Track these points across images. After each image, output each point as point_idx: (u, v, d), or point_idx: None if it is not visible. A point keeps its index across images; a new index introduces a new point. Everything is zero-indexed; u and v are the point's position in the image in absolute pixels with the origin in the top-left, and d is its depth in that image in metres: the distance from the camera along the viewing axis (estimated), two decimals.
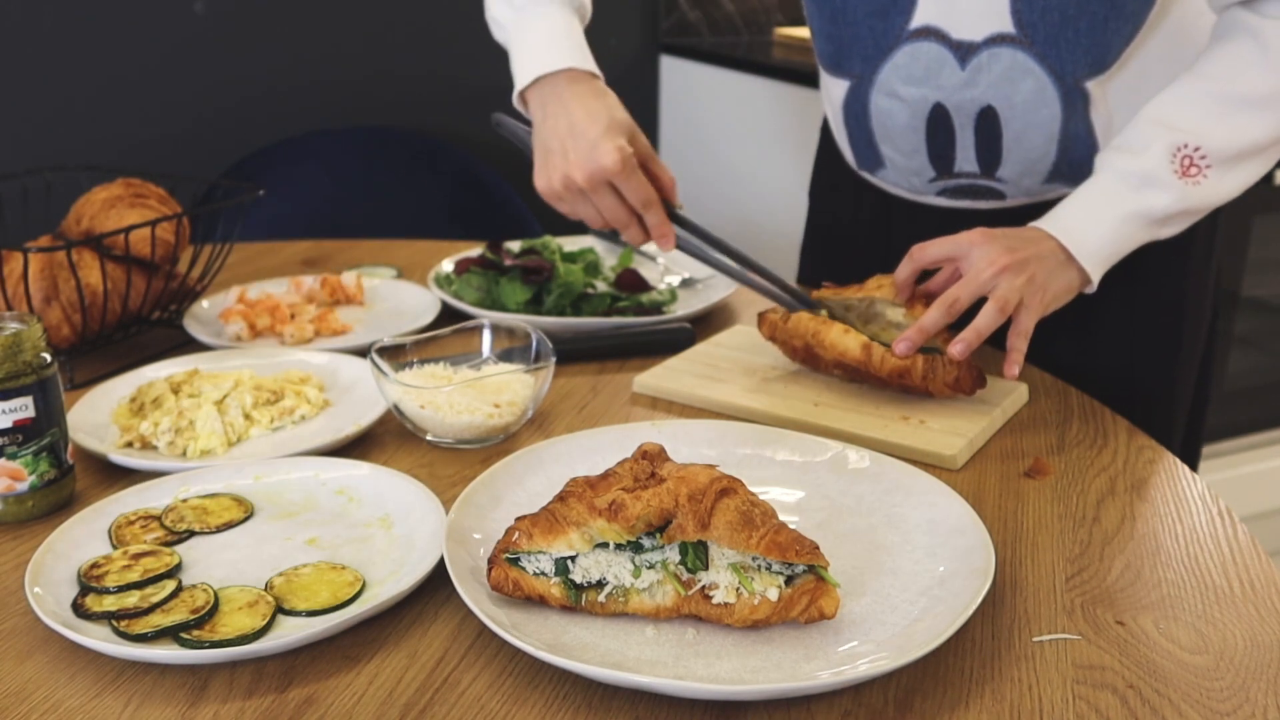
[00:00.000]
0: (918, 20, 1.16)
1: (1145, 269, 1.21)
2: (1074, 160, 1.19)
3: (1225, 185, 1.09)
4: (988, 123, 1.17)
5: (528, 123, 1.19)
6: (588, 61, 1.17)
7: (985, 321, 1.04)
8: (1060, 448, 1.02)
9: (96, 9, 2.27)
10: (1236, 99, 1.06)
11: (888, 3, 1.17)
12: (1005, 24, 1.12)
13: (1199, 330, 1.30)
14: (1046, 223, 1.10)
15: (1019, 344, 1.06)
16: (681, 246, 1.15)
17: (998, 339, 1.10)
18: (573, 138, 1.11)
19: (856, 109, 1.26)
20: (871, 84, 1.22)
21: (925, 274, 1.14)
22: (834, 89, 1.29)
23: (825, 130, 1.46)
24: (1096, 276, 1.09)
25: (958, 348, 1.03)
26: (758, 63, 2.49)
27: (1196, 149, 1.06)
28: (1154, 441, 1.03)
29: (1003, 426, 1.06)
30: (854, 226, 1.40)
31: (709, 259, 1.16)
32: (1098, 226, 1.08)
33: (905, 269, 1.10)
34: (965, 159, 1.22)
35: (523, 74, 1.17)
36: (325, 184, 2.37)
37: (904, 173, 1.28)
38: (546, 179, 1.13)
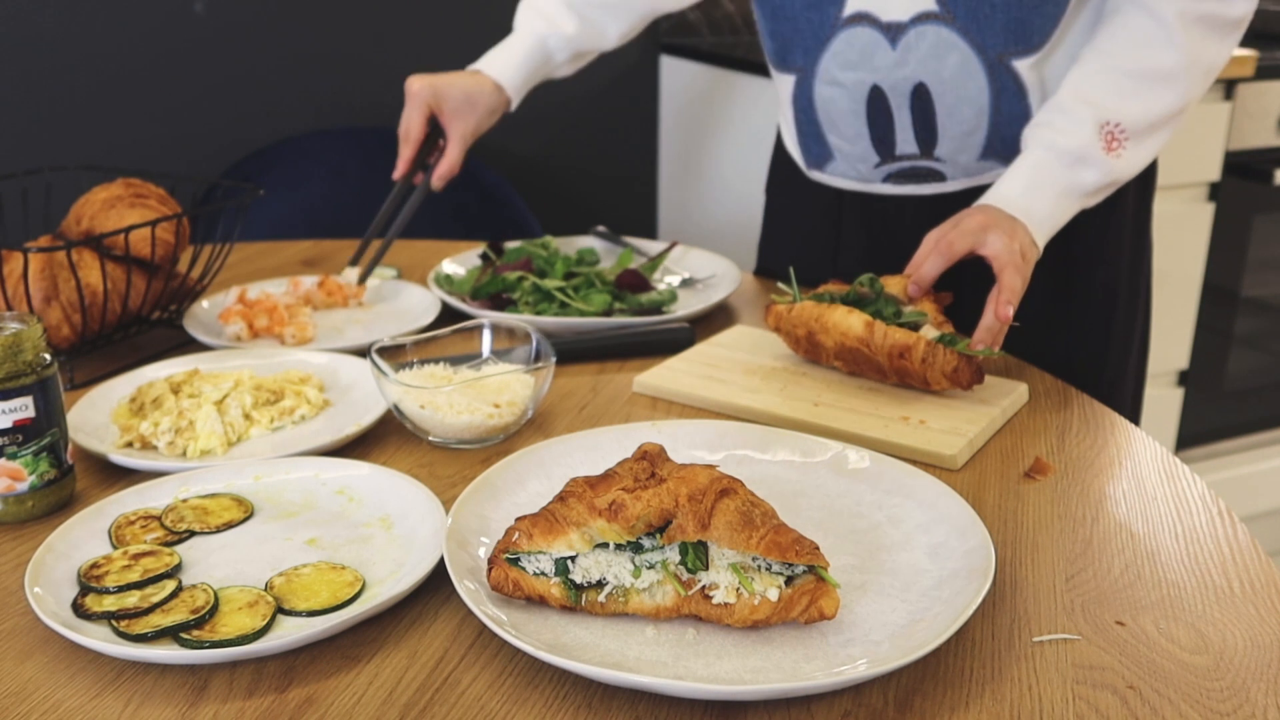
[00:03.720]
0: (849, 8, 1.23)
1: (1078, 254, 1.30)
2: (1007, 138, 1.26)
3: (1139, 157, 1.18)
4: (921, 100, 1.24)
5: None
6: (493, 71, 1.46)
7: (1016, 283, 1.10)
8: (1060, 448, 1.02)
9: (96, 9, 2.27)
10: (1146, 75, 1.15)
11: None
12: (928, 3, 1.19)
13: (1133, 312, 1.38)
14: (995, 199, 1.15)
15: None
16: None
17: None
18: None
19: (804, 102, 1.33)
20: (814, 74, 1.30)
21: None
22: (782, 86, 1.36)
23: (779, 133, 1.51)
24: (1042, 245, 1.16)
25: (1006, 310, 1.08)
26: (758, 63, 2.49)
27: (1118, 124, 1.15)
28: (1154, 441, 1.03)
29: (1003, 426, 1.06)
30: (806, 224, 1.46)
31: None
32: (1039, 201, 1.15)
33: (936, 264, 1.12)
34: (905, 140, 1.28)
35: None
36: (325, 184, 2.37)
37: (851, 160, 1.33)
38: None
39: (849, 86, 1.27)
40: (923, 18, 1.19)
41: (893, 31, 1.21)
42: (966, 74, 1.21)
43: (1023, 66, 1.21)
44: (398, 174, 1.45)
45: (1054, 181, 1.15)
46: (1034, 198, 1.14)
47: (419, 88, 1.41)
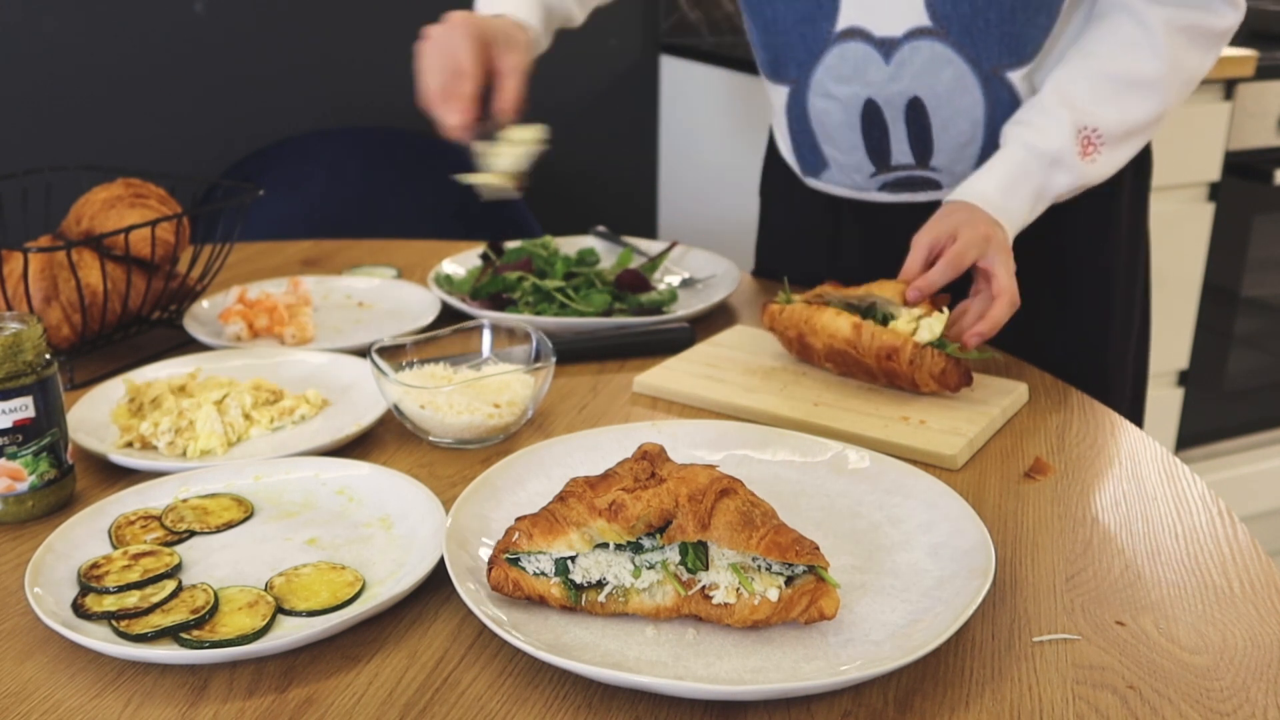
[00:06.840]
0: (842, 23, 1.22)
1: (1073, 249, 1.31)
2: None
3: (1111, 163, 1.18)
4: (916, 113, 1.24)
5: None
6: (508, 8, 1.25)
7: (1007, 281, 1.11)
8: (1060, 448, 1.02)
9: (97, 9, 2.27)
10: (1126, 80, 1.15)
11: (814, 9, 1.24)
12: (921, 18, 1.19)
13: (1130, 308, 1.37)
14: (972, 196, 1.16)
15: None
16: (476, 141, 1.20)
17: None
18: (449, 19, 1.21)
19: (798, 112, 1.33)
20: (808, 86, 1.29)
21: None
22: (776, 96, 1.36)
23: (770, 139, 1.51)
24: (1010, 244, 1.15)
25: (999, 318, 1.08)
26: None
27: (1094, 130, 1.15)
28: (1154, 441, 1.03)
29: (1003, 426, 1.06)
30: (802, 230, 1.46)
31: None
32: (1014, 200, 1.16)
33: (945, 274, 1.11)
34: (900, 151, 1.28)
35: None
36: (325, 184, 2.37)
37: (846, 170, 1.33)
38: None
39: (843, 100, 1.27)
40: (916, 33, 1.19)
41: (886, 46, 1.20)
42: (961, 88, 1.21)
43: (1016, 77, 1.21)
44: (464, 120, 1.17)
45: (1028, 181, 1.16)
46: (1010, 197, 1.15)
47: (462, 16, 1.18)
